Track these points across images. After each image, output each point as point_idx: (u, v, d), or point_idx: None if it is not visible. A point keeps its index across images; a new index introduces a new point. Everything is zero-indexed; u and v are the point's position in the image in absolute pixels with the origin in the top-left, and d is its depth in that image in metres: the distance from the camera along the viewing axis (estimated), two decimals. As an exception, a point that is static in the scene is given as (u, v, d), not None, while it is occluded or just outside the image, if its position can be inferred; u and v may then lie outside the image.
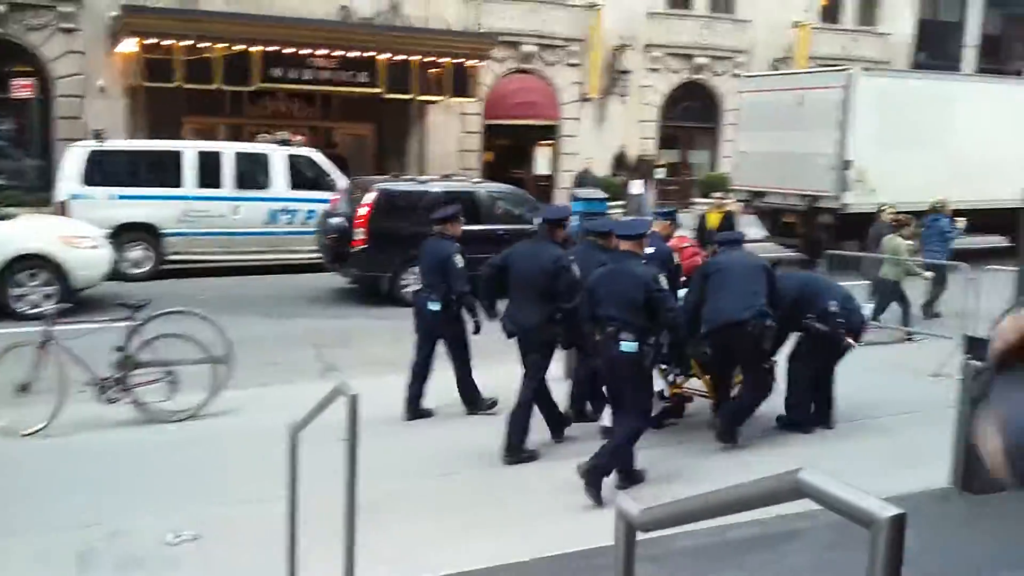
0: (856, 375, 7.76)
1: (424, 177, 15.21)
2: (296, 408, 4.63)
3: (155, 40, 17.97)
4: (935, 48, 28.43)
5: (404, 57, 20.00)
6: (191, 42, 18.03)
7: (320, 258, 13.96)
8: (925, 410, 7.66)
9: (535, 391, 6.67)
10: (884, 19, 28.16)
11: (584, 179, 20.62)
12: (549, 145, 24.69)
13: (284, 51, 19.03)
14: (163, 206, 14.44)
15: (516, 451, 6.51)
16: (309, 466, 4.43)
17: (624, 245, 6.21)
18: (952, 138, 16.39)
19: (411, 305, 7.55)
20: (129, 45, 18.46)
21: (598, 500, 5.64)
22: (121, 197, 14.18)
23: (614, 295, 5.92)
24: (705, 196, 22.08)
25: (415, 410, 7.53)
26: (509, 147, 24.73)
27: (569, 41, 24.00)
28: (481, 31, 22.36)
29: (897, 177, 15.60)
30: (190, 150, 14.96)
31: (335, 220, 13.14)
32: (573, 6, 23.96)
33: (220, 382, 7.39)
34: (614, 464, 5.91)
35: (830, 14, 27.57)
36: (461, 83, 20.95)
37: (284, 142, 15.61)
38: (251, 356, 8.59)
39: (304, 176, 15.51)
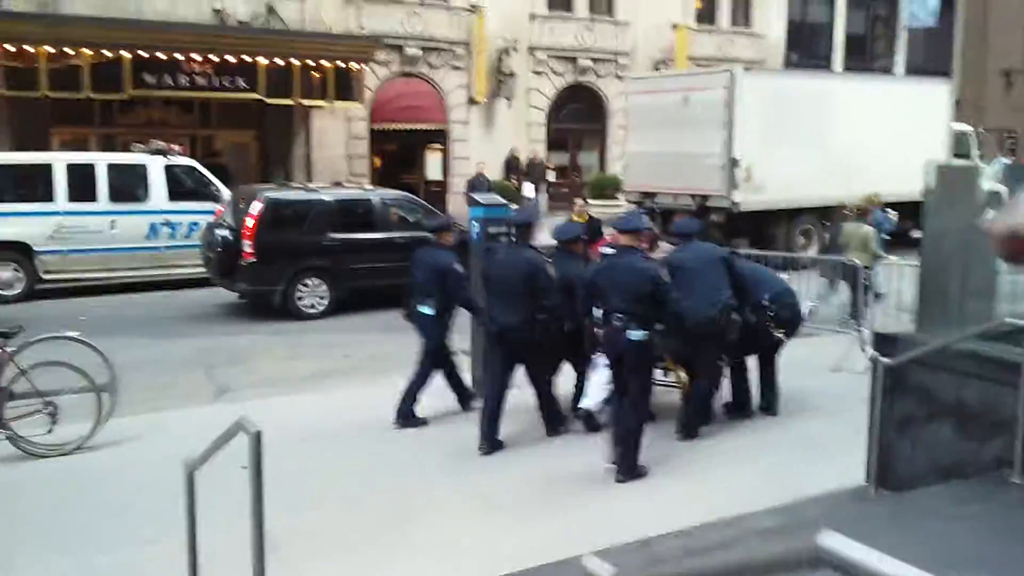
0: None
1: (314, 185, 14.75)
2: (190, 436, 4.31)
3: (13, 47, 16.90)
4: (805, 48, 29.54)
5: (284, 61, 19.41)
6: (53, 49, 17.02)
7: (206, 273, 13.35)
8: (828, 405, 7.77)
9: (549, 384, 7.18)
10: (757, 21, 28.90)
11: (477, 184, 20.44)
12: (439, 150, 24.42)
13: (156, 56, 18.18)
14: (34, 223, 13.58)
15: (556, 422, 7.15)
16: (208, 499, 4.11)
17: (623, 239, 6.40)
18: (832, 135, 16.85)
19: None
20: (-15, 52, 17.32)
21: (637, 475, 6.19)
22: (-15, 214, 13.29)
23: (619, 288, 6.16)
24: (594, 198, 22.23)
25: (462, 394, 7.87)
26: (398, 152, 24.35)
27: (454, 44, 23.77)
28: (363, 34, 21.94)
29: (782, 174, 15.99)
30: (61, 162, 14.07)
31: (220, 232, 12.57)
32: (455, 8, 23.72)
33: (105, 411, 6.89)
34: (634, 451, 6.22)
35: (706, 16, 28.10)
36: (345, 87, 20.46)
37: (161, 151, 14.86)
38: (138, 381, 8.12)
39: (185, 187, 14.85)
